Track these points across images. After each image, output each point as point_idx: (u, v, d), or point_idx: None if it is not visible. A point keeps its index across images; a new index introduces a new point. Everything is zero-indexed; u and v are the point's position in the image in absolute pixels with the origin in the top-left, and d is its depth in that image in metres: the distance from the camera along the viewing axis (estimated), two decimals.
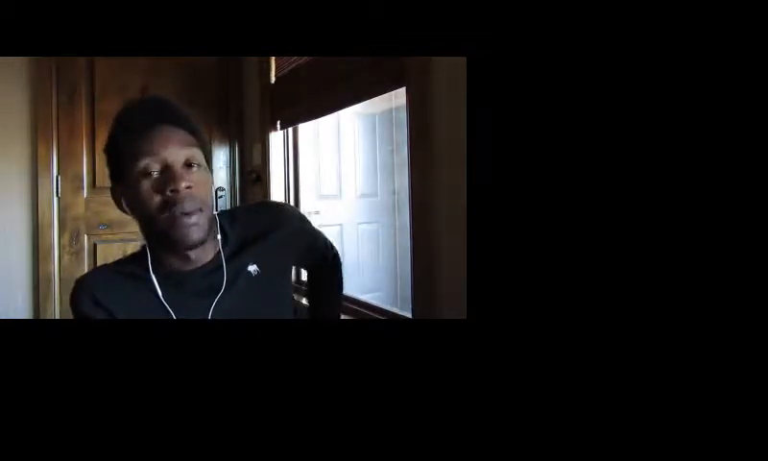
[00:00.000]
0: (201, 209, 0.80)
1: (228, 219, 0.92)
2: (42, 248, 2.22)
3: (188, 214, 0.79)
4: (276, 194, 2.22)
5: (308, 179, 2.45)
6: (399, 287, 3.13)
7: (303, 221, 1.04)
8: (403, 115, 1.81)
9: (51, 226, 2.24)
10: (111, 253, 2.32)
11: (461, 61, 0.93)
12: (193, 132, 0.85)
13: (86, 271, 2.24)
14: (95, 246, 2.32)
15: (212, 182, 0.87)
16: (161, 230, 0.80)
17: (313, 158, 2.87)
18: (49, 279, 2.23)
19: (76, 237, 2.29)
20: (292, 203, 2.25)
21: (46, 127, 2.22)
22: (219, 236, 0.87)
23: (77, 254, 2.29)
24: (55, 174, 2.25)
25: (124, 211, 0.86)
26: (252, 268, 0.89)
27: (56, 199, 2.25)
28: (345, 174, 3.10)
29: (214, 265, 0.86)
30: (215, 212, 0.87)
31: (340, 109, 1.90)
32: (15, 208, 2.20)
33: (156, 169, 0.79)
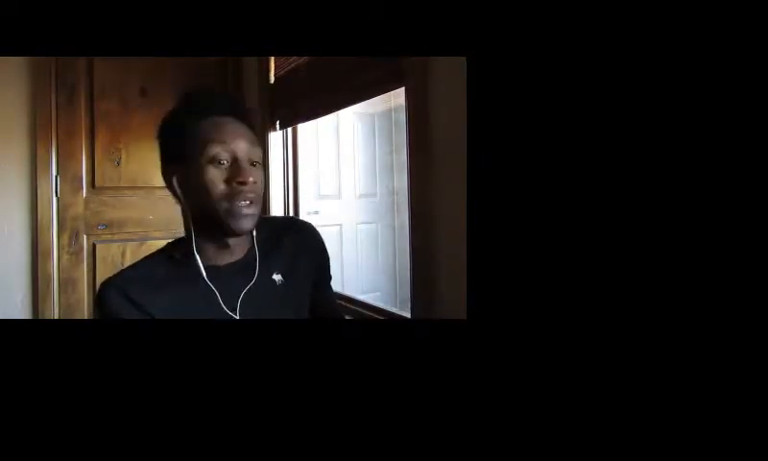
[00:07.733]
0: (256, 203, 0.85)
1: (262, 222, 0.95)
2: (41, 248, 2.21)
3: (248, 205, 0.83)
4: (276, 194, 2.22)
5: (307, 179, 2.45)
6: (398, 287, 3.13)
7: (323, 243, 1.03)
8: (402, 115, 1.81)
9: (50, 226, 2.23)
10: (111, 253, 2.33)
11: (461, 61, 0.93)
12: (254, 129, 0.89)
13: (86, 271, 2.28)
14: (94, 246, 2.32)
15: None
16: (218, 216, 0.82)
17: (312, 158, 2.87)
18: (48, 280, 2.22)
19: (75, 237, 2.29)
20: (291, 202, 2.24)
21: (45, 127, 2.22)
22: (254, 233, 0.90)
23: (76, 254, 2.29)
24: (54, 174, 2.24)
25: (173, 191, 0.87)
26: (277, 277, 0.92)
27: (55, 199, 2.25)
28: (344, 174, 3.11)
29: (246, 260, 0.90)
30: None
31: (339, 109, 1.90)
32: (14, 209, 2.20)
33: (226, 159, 0.82)
